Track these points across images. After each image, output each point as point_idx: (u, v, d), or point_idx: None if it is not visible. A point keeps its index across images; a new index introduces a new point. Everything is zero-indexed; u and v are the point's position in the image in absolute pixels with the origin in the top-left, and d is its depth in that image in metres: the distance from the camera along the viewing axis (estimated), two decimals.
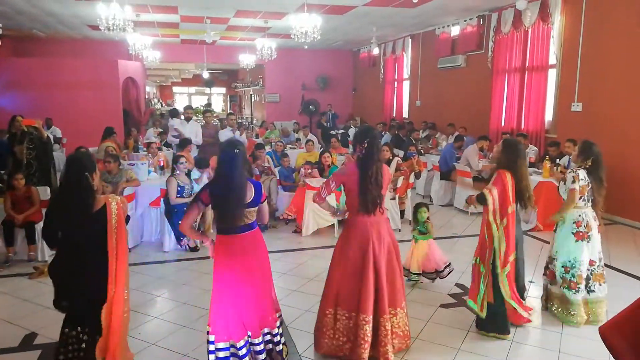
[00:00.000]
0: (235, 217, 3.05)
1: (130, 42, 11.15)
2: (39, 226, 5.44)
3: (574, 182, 3.92)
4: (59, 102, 12.38)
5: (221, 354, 3.09)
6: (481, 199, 3.74)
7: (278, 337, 3.26)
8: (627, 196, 6.79)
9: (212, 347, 3.11)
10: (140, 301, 4.41)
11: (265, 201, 3.28)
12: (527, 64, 9.06)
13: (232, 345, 3.11)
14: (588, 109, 7.73)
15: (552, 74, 8.52)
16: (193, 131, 8.64)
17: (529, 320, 3.95)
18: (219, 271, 3.12)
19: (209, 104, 25.56)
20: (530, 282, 4.78)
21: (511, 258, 3.72)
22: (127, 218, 3.09)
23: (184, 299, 4.52)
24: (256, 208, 3.17)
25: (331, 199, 3.57)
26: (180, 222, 3.25)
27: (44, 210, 5.36)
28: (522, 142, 7.68)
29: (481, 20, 10.23)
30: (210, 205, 3.13)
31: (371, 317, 3.24)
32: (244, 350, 3.10)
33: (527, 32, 8.93)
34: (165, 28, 12.70)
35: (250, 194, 3.10)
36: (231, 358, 3.11)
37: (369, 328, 3.23)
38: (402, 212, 7.04)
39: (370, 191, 3.22)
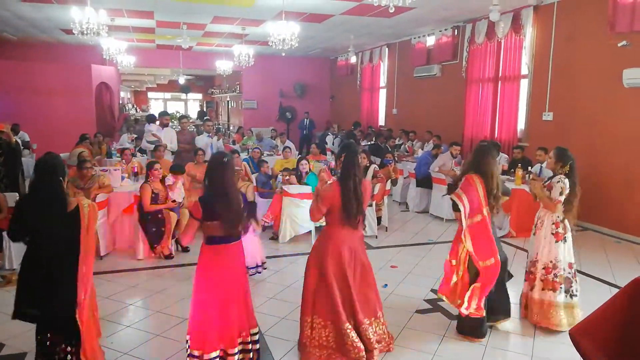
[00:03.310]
0: (241, 222, 3.15)
1: (104, 46, 10.96)
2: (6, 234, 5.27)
3: (561, 193, 3.90)
4: (30, 106, 12.08)
5: None
6: (454, 206, 3.78)
7: (251, 345, 3.26)
8: (595, 203, 6.98)
9: None
10: (112, 310, 4.31)
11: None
12: (500, 74, 9.25)
13: (223, 350, 3.11)
14: (558, 118, 7.96)
15: (524, 84, 8.72)
16: (168, 137, 8.55)
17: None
18: (208, 279, 3.11)
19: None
20: None
21: (488, 262, 3.71)
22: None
23: (158, 308, 4.42)
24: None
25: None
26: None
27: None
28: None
29: (456, 30, 10.43)
30: (205, 219, 3.08)
31: (352, 325, 3.30)
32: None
33: (500, 43, 9.14)
34: (140, 33, 12.54)
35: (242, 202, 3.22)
36: None
37: (354, 334, 3.29)
38: (378, 219, 7.09)
39: (352, 205, 3.28)
